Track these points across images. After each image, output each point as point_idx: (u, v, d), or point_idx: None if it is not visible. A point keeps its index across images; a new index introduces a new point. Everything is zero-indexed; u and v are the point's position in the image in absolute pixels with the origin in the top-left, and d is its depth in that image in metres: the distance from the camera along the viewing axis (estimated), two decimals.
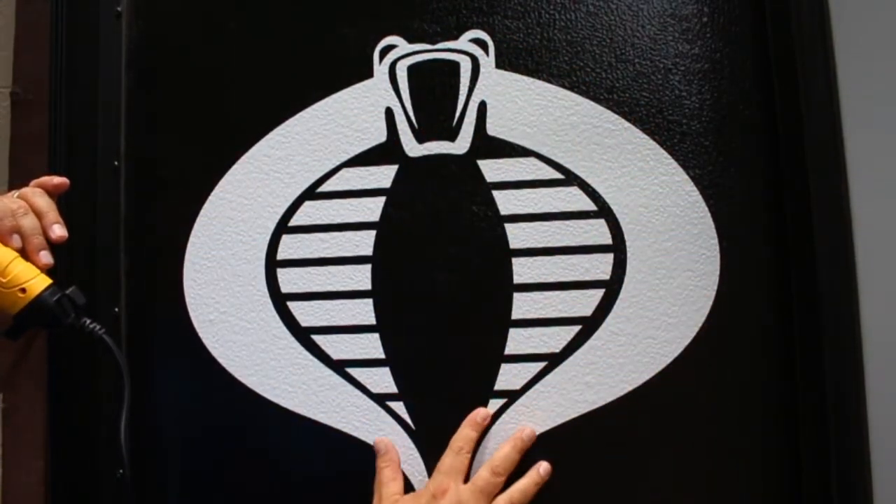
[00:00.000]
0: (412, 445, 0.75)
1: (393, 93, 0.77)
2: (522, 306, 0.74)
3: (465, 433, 0.72)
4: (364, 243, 0.77)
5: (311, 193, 0.78)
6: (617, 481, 0.72)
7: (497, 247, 0.74)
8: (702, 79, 0.74)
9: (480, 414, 0.73)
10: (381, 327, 0.76)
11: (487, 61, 0.76)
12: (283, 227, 0.78)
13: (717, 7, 0.74)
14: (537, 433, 0.72)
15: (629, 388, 0.72)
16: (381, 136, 0.77)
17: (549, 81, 0.75)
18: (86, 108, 0.82)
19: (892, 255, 0.68)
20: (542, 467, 0.71)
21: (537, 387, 0.73)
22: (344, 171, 0.78)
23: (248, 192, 0.79)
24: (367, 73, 0.78)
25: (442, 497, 0.68)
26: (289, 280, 0.78)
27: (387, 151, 0.77)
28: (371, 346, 0.76)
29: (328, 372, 0.76)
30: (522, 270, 0.74)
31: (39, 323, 0.68)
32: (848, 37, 0.69)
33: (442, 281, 0.75)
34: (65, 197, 0.75)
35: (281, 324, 0.77)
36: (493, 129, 0.76)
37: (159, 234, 0.82)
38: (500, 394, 0.73)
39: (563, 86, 0.75)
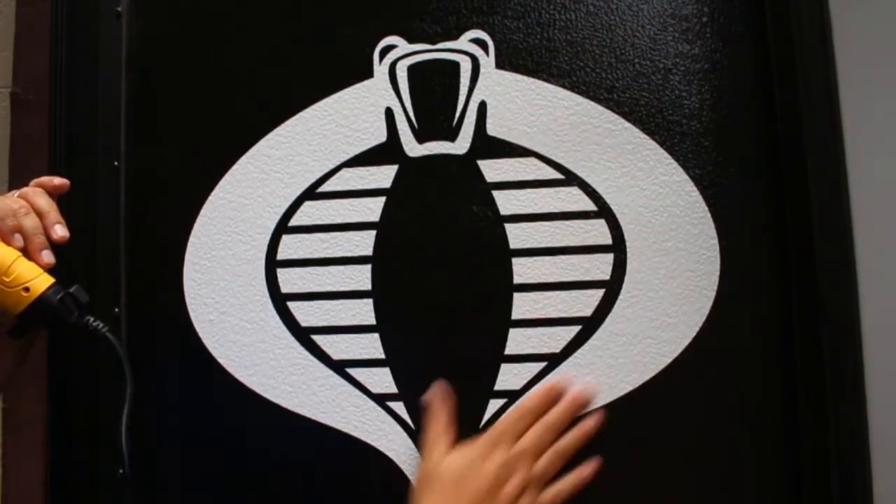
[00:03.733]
0: (412, 445, 0.75)
1: (393, 93, 0.77)
2: (522, 306, 0.74)
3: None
4: (364, 243, 0.77)
5: (311, 193, 0.78)
6: (617, 481, 0.72)
7: (497, 247, 0.74)
8: (702, 79, 0.74)
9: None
10: (381, 327, 0.76)
11: (487, 61, 0.76)
12: (283, 227, 0.78)
13: (717, 7, 0.74)
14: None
15: (629, 388, 0.72)
16: (381, 136, 0.77)
17: (549, 81, 0.75)
18: (86, 107, 0.82)
19: (893, 255, 0.68)
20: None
21: (538, 387, 0.73)
22: (344, 171, 0.78)
23: (248, 192, 0.79)
24: (367, 73, 0.78)
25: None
26: (289, 280, 0.78)
27: (387, 151, 0.77)
28: (371, 346, 0.76)
29: (328, 372, 0.76)
30: (522, 270, 0.74)
31: (43, 322, 0.68)
32: (848, 37, 0.69)
33: (442, 281, 0.75)
34: (65, 197, 0.75)
35: (281, 324, 0.77)
36: (493, 129, 0.76)
37: (159, 234, 0.82)
38: (501, 394, 0.73)
39: (563, 86, 0.75)
